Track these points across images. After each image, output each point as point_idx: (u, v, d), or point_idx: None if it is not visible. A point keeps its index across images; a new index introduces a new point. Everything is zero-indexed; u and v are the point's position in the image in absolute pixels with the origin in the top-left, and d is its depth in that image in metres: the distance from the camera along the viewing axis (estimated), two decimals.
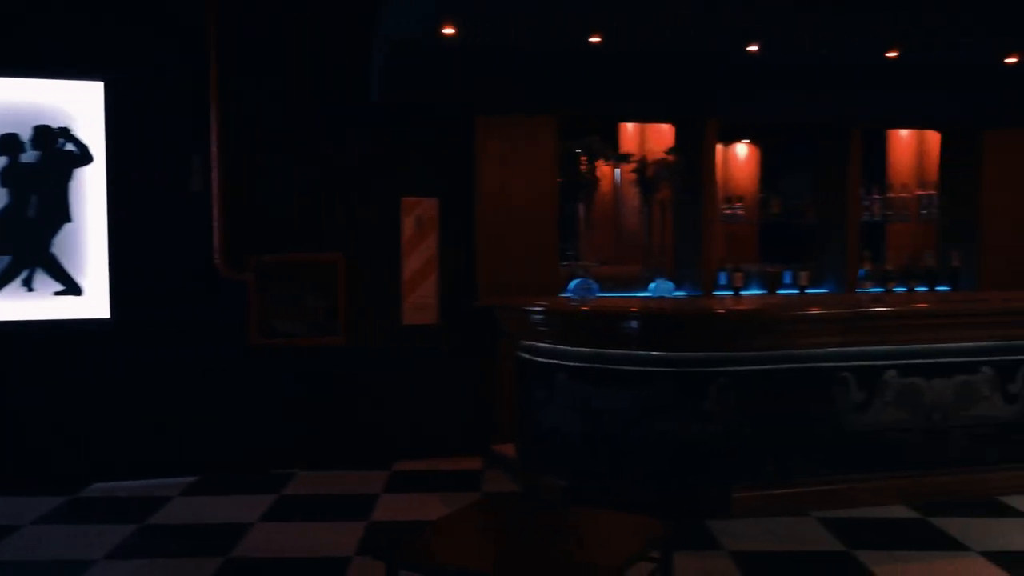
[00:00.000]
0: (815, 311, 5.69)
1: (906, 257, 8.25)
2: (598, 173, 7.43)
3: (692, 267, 7.64)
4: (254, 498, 6.18)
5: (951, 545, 5.18)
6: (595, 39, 6.21)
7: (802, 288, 7.79)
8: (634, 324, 5.66)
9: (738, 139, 8.83)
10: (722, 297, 7.50)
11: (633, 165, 7.58)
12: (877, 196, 8.32)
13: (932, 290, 8.01)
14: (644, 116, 7.78)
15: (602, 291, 7.37)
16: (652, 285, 7.52)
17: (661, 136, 8.46)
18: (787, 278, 7.99)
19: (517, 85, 6.95)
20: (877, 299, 6.78)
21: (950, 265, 8.09)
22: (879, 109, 7.70)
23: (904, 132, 8.79)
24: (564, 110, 7.24)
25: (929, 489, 5.93)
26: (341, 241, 7.03)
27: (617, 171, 8.38)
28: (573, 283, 7.39)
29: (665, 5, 5.72)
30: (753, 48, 6.46)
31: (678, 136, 7.78)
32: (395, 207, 7.10)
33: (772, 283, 7.85)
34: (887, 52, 6.66)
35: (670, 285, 7.52)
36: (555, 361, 5.97)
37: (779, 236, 8.44)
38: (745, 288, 7.72)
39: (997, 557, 4.98)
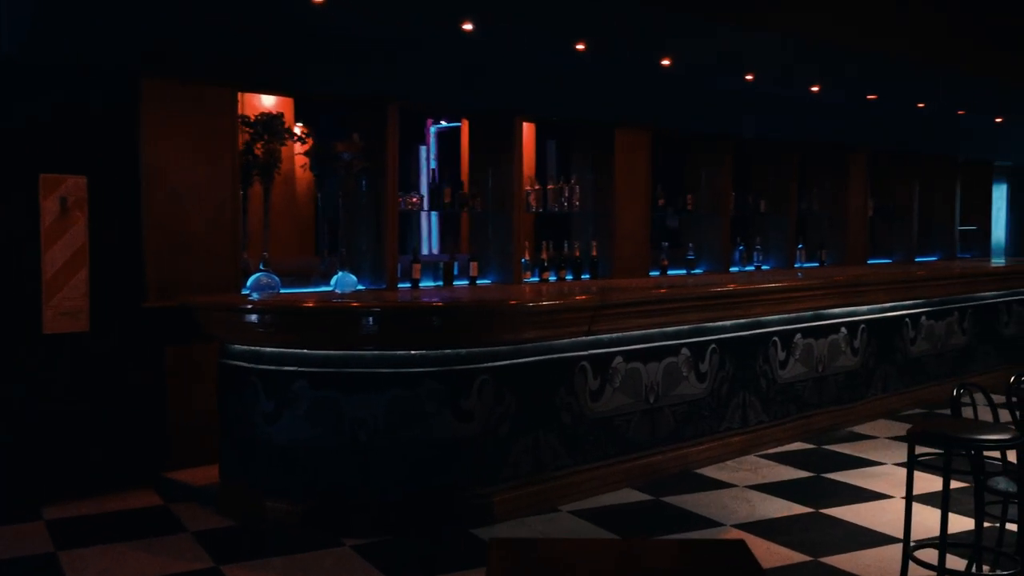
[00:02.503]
0: (578, 299, 5.57)
1: (552, 247, 8.52)
2: (277, 155, 6.61)
3: (371, 258, 7.09)
4: None
5: (702, 523, 5.38)
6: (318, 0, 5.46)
7: (472, 278, 7.67)
8: (391, 322, 5.06)
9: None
10: (404, 289, 7.11)
11: (307, 146, 6.85)
12: (538, 187, 8.44)
13: (578, 278, 8.36)
14: (331, 94, 6.96)
15: (283, 286, 6.58)
16: (335, 278, 6.88)
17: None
18: (456, 268, 7.81)
19: (195, 45, 5.87)
20: (613, 288, 6.75)
21: (591, 254, 8.52)
22: (546, 105, 7.90)
23: None
24: (245, 82, 6.29)
25: (647, 469, 6.14)
26: None
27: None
28: (252, 278, 6.50)
29: None
30: (468, 26, 6.16)
31: (356, 119, 7.14)
32: (32, 186, 5.60)
33: (446, 274, 7.60)
34: (575, 45, 6.79)
35: (352, 278, 6.94)
36: (290, 367, 5.12)
37: (452, 226, 8.26)
38: (421, 279, 7.38)
39: (746, 527, 5.29)
